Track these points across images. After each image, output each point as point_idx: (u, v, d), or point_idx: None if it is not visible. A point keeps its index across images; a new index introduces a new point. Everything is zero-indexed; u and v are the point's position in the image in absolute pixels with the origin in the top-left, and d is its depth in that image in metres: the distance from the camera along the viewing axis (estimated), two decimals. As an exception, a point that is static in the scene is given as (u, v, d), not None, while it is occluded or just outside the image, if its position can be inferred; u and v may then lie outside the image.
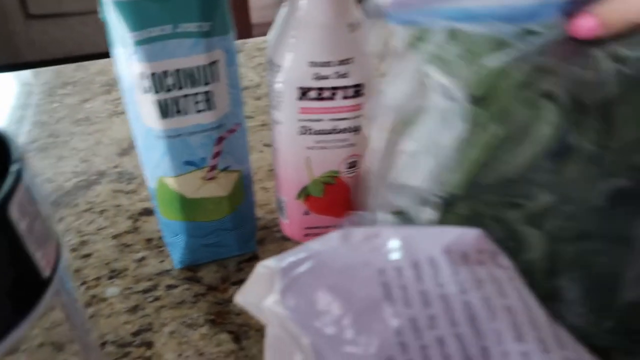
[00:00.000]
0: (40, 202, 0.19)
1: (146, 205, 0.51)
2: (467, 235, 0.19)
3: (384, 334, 0.18)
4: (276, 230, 0.48)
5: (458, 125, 0.26)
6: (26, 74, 0.77)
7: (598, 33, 0.26)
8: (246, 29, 1.69)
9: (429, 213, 0.28)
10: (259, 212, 0.49)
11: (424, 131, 0.28)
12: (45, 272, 0.19)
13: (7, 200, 0.17)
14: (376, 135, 0.31)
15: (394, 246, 0.20)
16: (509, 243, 0.26)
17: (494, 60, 0.26)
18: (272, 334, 0.23)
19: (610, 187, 0.24)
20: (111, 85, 0.71)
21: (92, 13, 2.43)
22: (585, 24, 0.26)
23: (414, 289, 0.18)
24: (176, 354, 0.37)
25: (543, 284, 0.25)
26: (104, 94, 0.69)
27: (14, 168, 0.18)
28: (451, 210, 0.28)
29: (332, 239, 0.22)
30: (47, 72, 0.77)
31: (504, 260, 0.19)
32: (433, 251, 0.19)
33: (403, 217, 0.30)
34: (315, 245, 0.22)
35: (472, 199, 0.27)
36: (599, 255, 0.25)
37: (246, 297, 0.22)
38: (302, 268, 0.21)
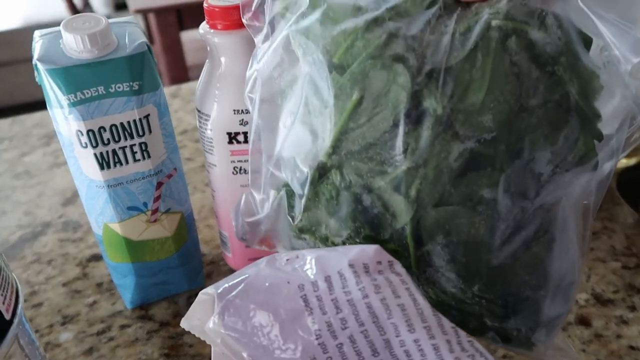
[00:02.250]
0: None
1: (94, 251, 0.53)
2: (368, 250, 0.23)
3: (306, 339, 0.22)
4: (222, 264, 0.51)
5: (325, 92, 0.27)
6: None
7: None
8: (183, 72, 1.72)
9: (304, 186, 0.28)
10: (205, 249, 0.52)
11: (297, 101, 0.29)
12: (6, 316, 0.21)
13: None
14: (257, 112, 0.31)
15: (310, 265, 0.24)
16: (386, 215, 0.27)
17: (349, 25, 0.26)
18: (216, 352, 0.26)
19: (460, 151, 0.25)
20: (49, 137, 0.73)
21: (22, 62, 2.39)
22: None
23: (327, 298, 0.22)
24: (133, 389, 0.39)
25: (415, 252, 0.27)
26: (43, 146, 0.71)
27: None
28: (325, 181, 0.28)
29: (260, 264, 0.26)
30: (-18, 129, 0.78)
31: (399, 267, 0.24)
32: (341, 266, 0.23)
33: (290, 190, 0.30)
34: (246, 270, 0.25)
35: (342, 168, 0.28)
36: (458, 219, 0.26)
37: (190, 322, 0.25)
38: (235, 291, 0.24)
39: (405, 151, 0.26)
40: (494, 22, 0.26)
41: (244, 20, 0.33)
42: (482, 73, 0.25)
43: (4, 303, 0.21)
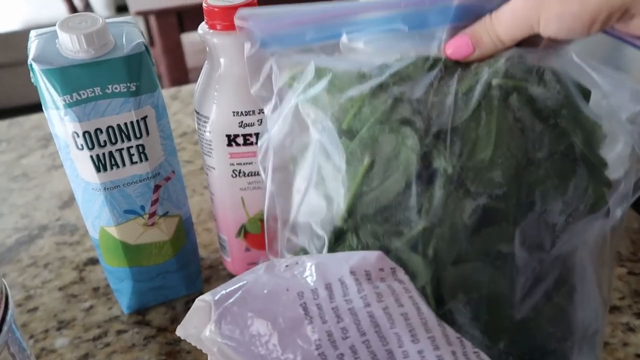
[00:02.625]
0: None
1: (91, 255, 0.52)
2: (369, 257, 0.23)
3: (306, 349, 0.21)
4: (221, 268, 0.50)
5: (336, 158, 0.28)
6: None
7: (470, 53, 0.27)
8: (183, 74, 1.71)
9: (321, 251, 0.29)
10: (204, 252, 0.52)
11: (309, 167, 0.29)
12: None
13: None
14: (270, 180, 0.32)
15: (310, 272, 0.23)
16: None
17: (355, 92, 0.28)
18: (212, 362, 0.26)
19: (473, 207, 0.26)
20: (47, 139, 0.72)
21: (21, 64, 2.39)
22: (459, 43, 0.27)
23: (328, 307, 0.22)
24: (129, 396, 0.39)
25: (436, 310, 0.26)
26: (41, 148, 0.70)
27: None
28: (342, 244, 0.29)
29: (259, 270, 0.25)
30: (-20, 131, 0.77)
31: (402, 274, 0.23)
32: (342, 273, 0.22)
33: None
34: (244, 277, 0.25)
35: (358, 231, 0.28)
36: (478, 275, 0.27)
37: (186, 329, 0.25)
38: (232, 298, 0.23)
39: (419, 211, 0.26)
40: (495, 81, 0.27)
41: (252, 92, 0.33)
42: (487, 130, 0.26)
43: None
